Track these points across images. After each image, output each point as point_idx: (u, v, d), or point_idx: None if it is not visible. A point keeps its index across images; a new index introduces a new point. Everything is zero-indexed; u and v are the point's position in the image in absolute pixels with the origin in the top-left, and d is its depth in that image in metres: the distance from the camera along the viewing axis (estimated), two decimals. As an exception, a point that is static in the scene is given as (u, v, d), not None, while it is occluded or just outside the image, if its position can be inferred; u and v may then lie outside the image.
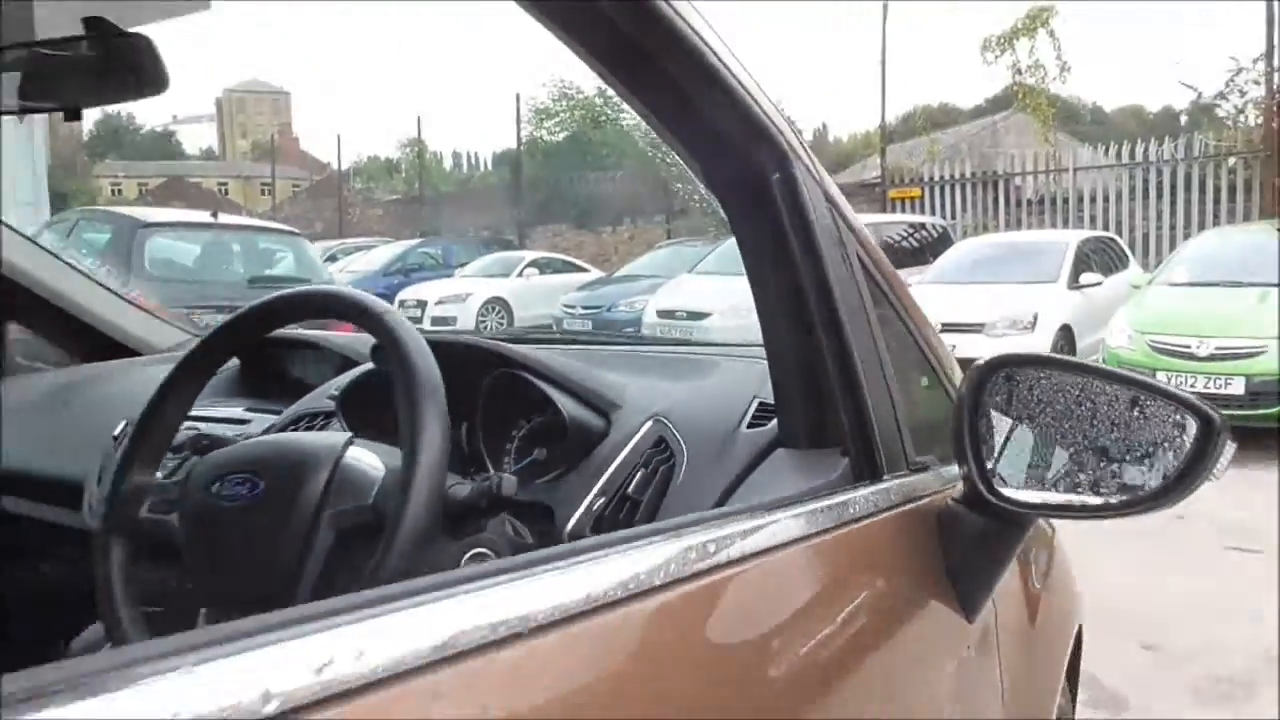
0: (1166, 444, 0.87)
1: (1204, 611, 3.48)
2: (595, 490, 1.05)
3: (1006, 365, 0.96)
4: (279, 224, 9.94)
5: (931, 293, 9.39)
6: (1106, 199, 13.46)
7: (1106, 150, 13.91)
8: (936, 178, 14.64)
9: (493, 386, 1.16)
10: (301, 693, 0.38)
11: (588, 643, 0.52)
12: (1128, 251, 11.03)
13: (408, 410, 0.80)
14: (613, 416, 1.13)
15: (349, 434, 0.94)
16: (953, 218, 14.21)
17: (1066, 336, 8.77)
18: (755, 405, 1.11)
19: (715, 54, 0.79)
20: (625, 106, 15.01)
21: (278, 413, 1.39)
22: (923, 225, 12.88)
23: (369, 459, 0.90)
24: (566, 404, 1.11)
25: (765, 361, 1.01)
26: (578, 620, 0.51)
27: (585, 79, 21.83)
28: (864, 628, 0.82)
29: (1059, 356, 1.19)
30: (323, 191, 29.16)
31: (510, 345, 1.18)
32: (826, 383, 0.92)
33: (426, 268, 15.66)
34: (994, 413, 0.94)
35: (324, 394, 1.34)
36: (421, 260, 16.01)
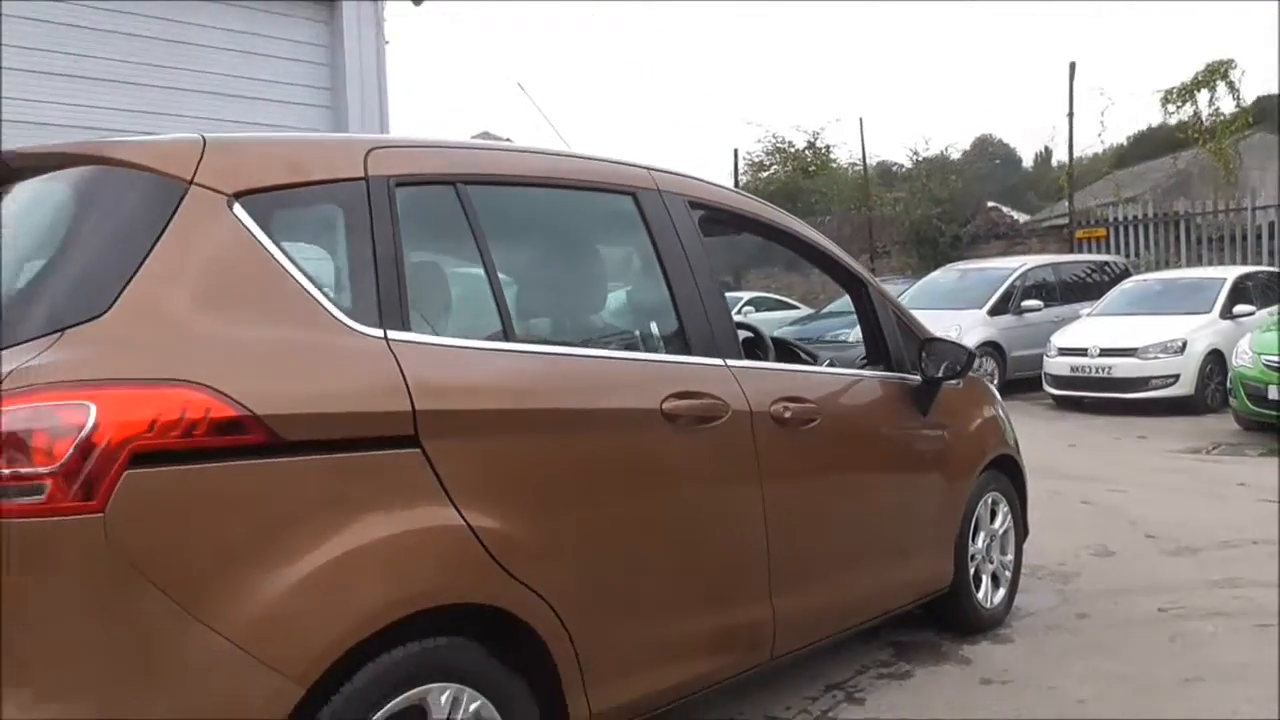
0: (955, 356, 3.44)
1: (1211, 527, 5.52)
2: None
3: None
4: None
5: (1097, 323, 11.32)
6: (1286, 235, 14.60)
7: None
8: (1120, 218, 16.15)
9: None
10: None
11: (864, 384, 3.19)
12: (1292, 285, 12.35)
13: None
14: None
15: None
16: (1136, 256, 15.68)
17: (1216, 359, 10.40)
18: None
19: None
20: (833, 157, 17.87)
21: None
22: (1105, 264, 14.51)
23: None
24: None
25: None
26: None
27: (796, 135, 24.40)
28: (885, 413, 3.36)
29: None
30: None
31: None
32: (881, 341, 3.46)
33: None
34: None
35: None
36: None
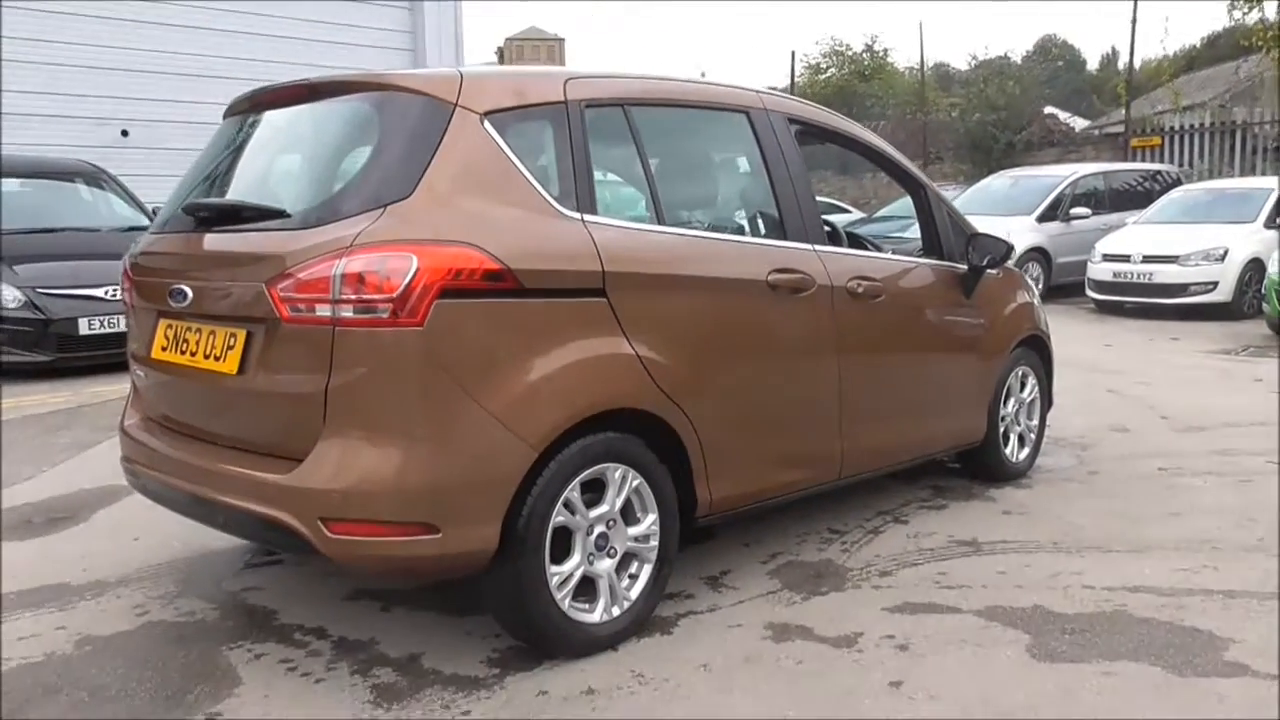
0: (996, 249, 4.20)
1: (1220, 411, 6.24)
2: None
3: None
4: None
5: (1142, 230, 11.82)
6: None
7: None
8: (1177, 127, 16.32)
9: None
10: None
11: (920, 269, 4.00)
12: (1348, 197, 12.64)
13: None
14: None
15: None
16: (1190, 165, 15.92)
17: (1256, 267, 10.88)
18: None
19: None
20: (891, 61, 18.43)
21: None
22: (1158, 173, 14.80)
23: None
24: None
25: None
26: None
27: (855, 37, 24.39)
28: (936, 294, 4.13)
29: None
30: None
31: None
32: (934, 234, 4.21)
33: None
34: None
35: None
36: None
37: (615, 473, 2.87)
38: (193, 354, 2.87)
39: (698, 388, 3.04)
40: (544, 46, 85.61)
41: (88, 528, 4.13)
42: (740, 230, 3.62)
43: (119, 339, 7.34)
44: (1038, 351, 4.83)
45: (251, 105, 3.19)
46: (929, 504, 4.34)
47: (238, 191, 3.11)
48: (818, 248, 3.55)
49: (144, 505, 4.12)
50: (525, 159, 2.78)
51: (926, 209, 4.27)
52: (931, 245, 4.28)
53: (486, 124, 2.73)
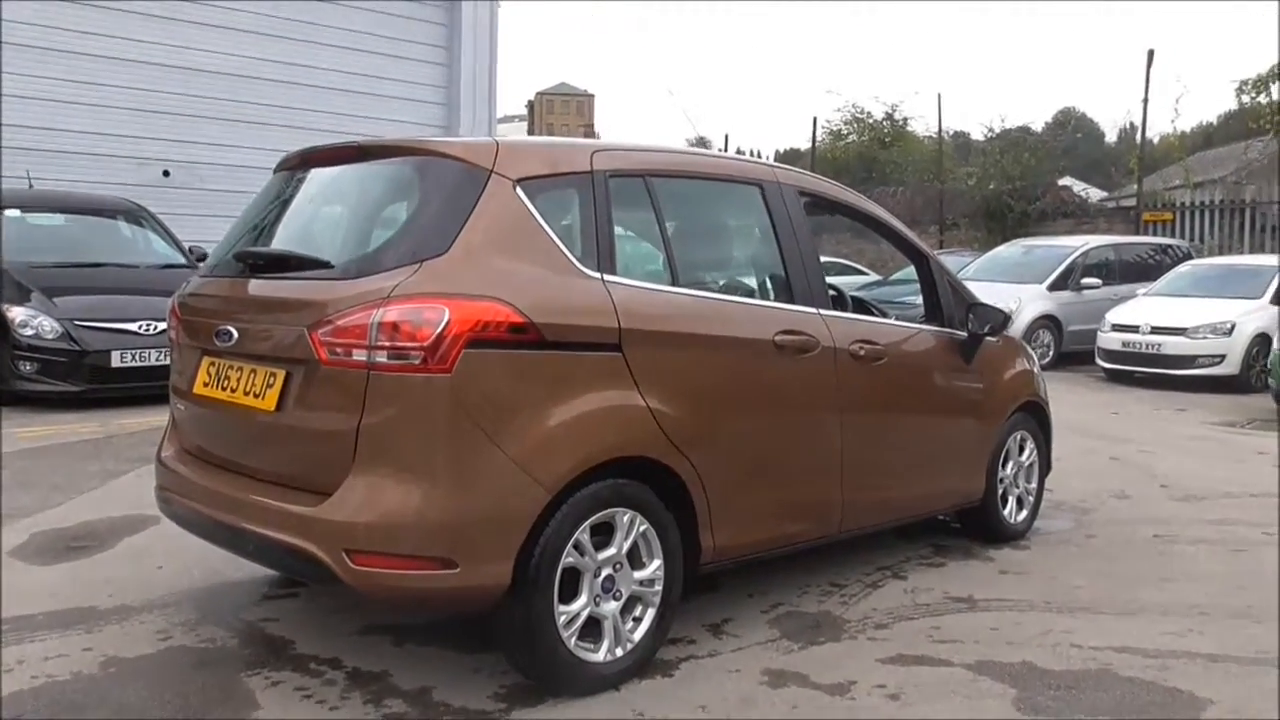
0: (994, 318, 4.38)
1: (1219, 482, 6.35)
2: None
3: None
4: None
5: (1151, 302, 11.99)
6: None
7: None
8: (1188, 203, 16.58)
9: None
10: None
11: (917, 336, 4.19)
12: (1349, 276, 12.80)
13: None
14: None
15: None
16: (1200, 241, 16.13)
17: (1263, 342, 11.02)
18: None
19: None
20: (910, 129, 18.89)
21: None
22: (1169, 247, 15.02)
23: None
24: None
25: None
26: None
27: (875, 105, 24.88)
28: (936, 358, 4.29)
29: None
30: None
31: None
32: (936, 302, 4.38)
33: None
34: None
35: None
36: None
37: (624, 517, 3.03)
38: (233, 390, 3.06)
39: (705, 439, 3.21)
40: (574, 102, 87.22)
41: (114, 554, 4.30)
42: (750, 293, 3.81)
43: (150, 372, 7.64)
44: (1036, 417, 4.98)
45: (301, 162, 3.42)
46: (928, 561, 4.46)
47: (284, 241, 3.33)
48: (822, 312, 3.73)
49: (166, 534, 4.32)
50: (552, 222, 2.98)
51: (929, 278, 4.45)
52: (933, 312, 4.46)
53: (519, 190, 2.94)
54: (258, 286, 3.11)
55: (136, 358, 7.66)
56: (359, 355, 2.67)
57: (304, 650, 3.30)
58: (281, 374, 2.89)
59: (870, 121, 24.21)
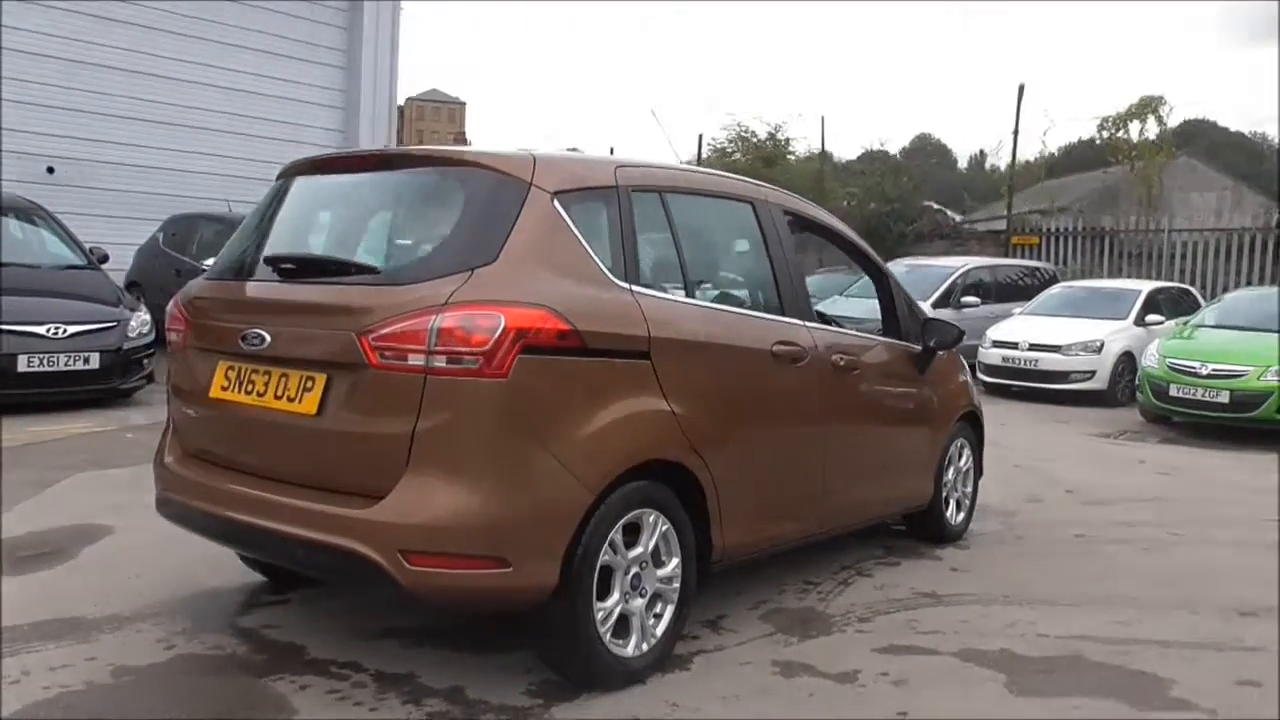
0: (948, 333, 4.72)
1: (1117, 488, 6.93)
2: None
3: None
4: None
5: (1027, 321, 12.83)
6: (1196, 256, 16.41)
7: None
8: (1052, 229, 17.82)
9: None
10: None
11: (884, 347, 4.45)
12: (1200, 300, 14.02)
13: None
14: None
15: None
16: (1064, 264, 17.33)
17: (1128, 360, 11.95)
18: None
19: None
20: (794, 149, 19.48)
21: None
22: (1037, 269, 16.10)
23: None
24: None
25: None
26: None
27: (758, 124, 25.63)
28: (897, 370, 4.60)
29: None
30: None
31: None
32: (894, 317, 4.69)
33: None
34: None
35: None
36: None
37: (649, 517, 3.16)
38: (260, 394, 3.04)
39: (718, 442, 3.37)
40: (445, 109, 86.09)
41: (80, 565, 4.14)
42: (749, 305, 4.01)
43: (59, 378, 7.26)
44: (972, 425, 5.36)
45: (313, 168, 3.42)
46: (884, 560, 4.74)
47: (308, 248, 3.32)
48: (808, 324, 3.96)
49: (126, 544, 4.23)
50: (585, 233, 3.10)
51: (888, 294, 4.75)
52: (890, 326, 4.75)
53: (555, 202, 3.04)
54: (293, 291, 3.10)
55: (45, 362, 7.26)
56: (415, 360, 2.72)
57: (318, 655, 3.28)
58: (322, 378, 2.90)
59: (754, 140, 24.91)
